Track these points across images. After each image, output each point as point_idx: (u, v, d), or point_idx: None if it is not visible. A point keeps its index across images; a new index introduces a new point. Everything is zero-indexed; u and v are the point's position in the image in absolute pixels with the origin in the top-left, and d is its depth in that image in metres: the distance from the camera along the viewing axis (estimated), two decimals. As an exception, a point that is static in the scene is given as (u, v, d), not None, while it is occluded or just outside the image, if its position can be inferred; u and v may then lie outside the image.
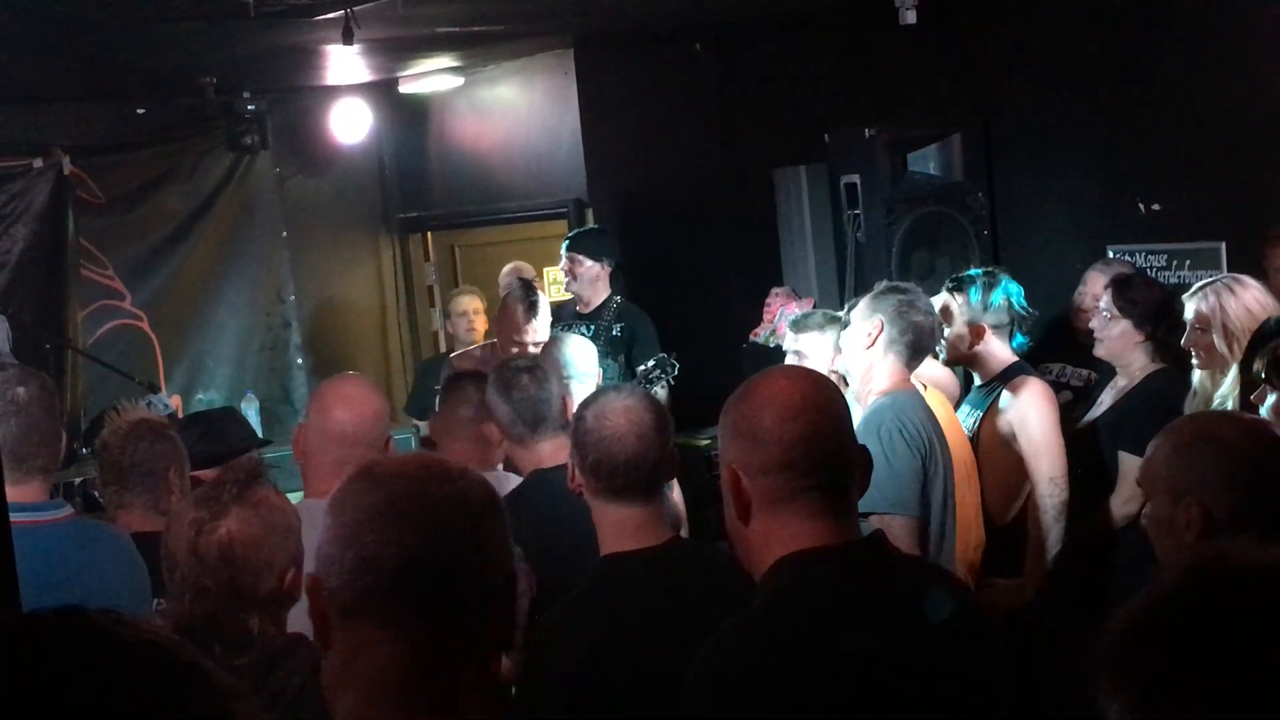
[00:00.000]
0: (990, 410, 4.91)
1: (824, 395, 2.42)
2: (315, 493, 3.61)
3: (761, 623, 2.30)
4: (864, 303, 4.53)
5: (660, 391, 5.97)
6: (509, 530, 1.83)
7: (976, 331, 4.94)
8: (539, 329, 6.02)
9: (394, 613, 1.74)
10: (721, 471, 2.38)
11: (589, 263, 6.84)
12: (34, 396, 3.62)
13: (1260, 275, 5.03)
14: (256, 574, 2.76)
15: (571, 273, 6.88)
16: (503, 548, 1.81)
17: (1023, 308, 5.03)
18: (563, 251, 6.96)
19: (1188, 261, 6.06)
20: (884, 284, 4.72)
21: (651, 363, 6.08)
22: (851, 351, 4.47)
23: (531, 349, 5.97)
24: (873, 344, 4.41)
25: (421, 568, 1.74)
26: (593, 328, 6.69)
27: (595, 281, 6.86)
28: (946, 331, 4.99)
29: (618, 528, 3.03)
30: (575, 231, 7.11)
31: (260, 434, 5.65)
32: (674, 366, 6.03)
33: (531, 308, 6.01)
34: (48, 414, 3.67)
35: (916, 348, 4.44)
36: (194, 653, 1.20)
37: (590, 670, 2.84)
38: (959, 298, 4.97)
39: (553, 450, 4.10)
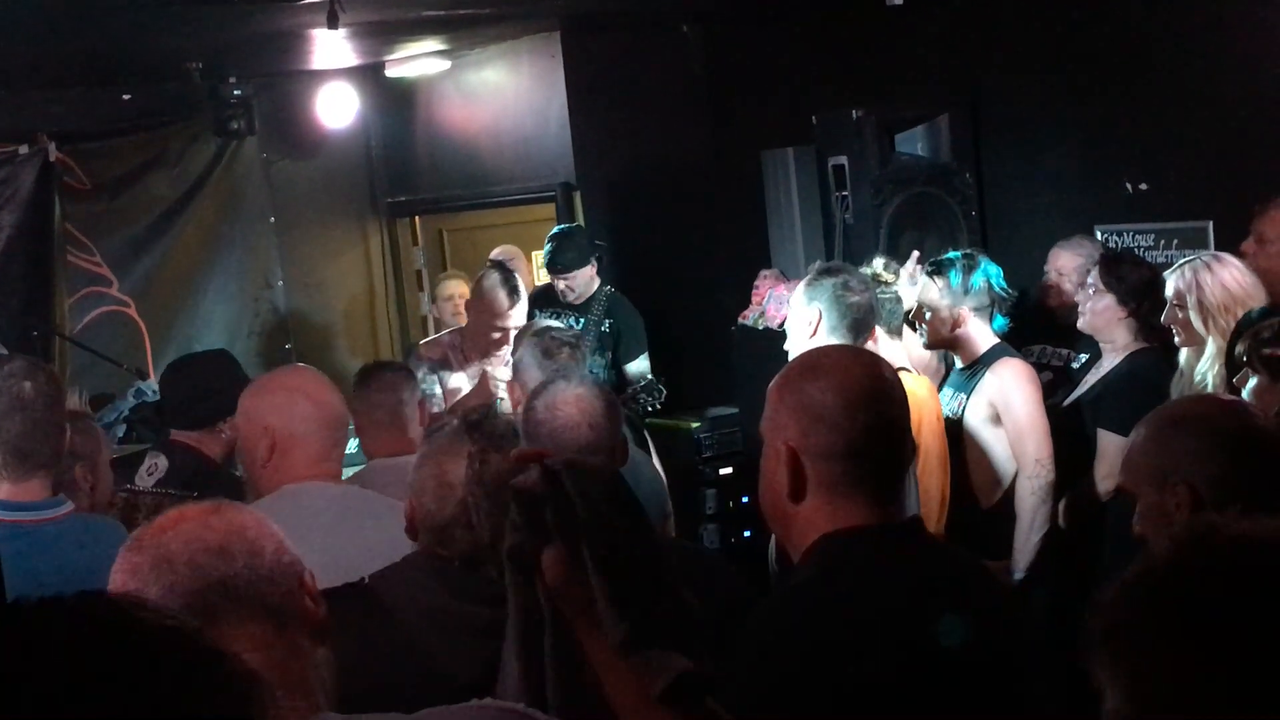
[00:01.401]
0: (974, 393, 4.91)
1: (891, 383, 2.41)
2: (317, 474, 3.57)
3: (808, 597, 2.30)
4: (800, 291, 4.56)
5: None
6: (277, 536, 1.97)
7: (958, 315, 4.95)
8: (520, 314, 6.04)
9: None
10: (772, 445, 2.35)
11: (581, 271, 6.83)
12: (40, 391, 3.59)
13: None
14: None
15: (570, 288, 6.85)
16: (276, 559, 1.94)
17: (1002, 289, 5.04)
18: (553, 273, 6.87)
19: (1175, 241, 6.06)
20: (816, 267, 4.74)
21: (641, 385, 6.13)
22: (796, 342, 4.48)
23: (513, 333, 5.97)
24: (815, 333, 4.45)
25: (208, 606, 1.84)
26: (582, 321, 6.68)
27: (590, 279, 6.87)
28: (927, 315, 5.00)
29: None
30: (555, 248, 6.90)
31: None
32: (660, 392, 6.08)
33: (514, 292, 6.02)
34: (53, 409, 3.64)
35: (858, 328, 4.48)
36: (214, 639, 1.24)
37: None
38: (939, 281, 4.97)
39: None
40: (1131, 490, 2.82)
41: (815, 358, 2.45)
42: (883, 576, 2.30)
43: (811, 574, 2.32)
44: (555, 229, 7.20)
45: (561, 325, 5.78)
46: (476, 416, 2.88)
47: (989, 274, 5.00)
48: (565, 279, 6.82)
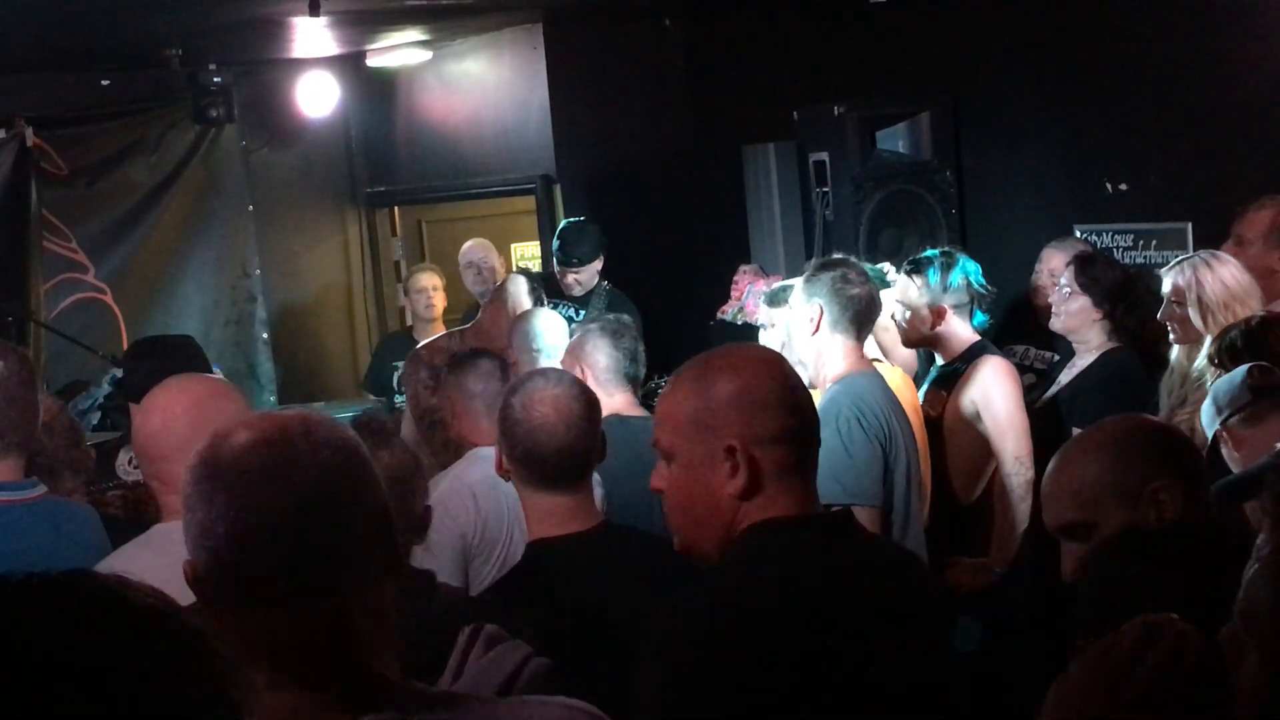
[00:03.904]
0: (954, 390, 4.91)
1: (795, 370, 2.48)
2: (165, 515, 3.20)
3: (728, 581, 2.29)
4: (799, 287, 4.43)
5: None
6: (371, 466, 1.81)
7: (938, 313, 4.93)
8: None
9: (281, 588, 1.73)
10: (702, 451, 2.29)
11: (593, 264, 6.81)
12: (12, 371, 3.55)
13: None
14: (410, 501, 2.89)
15: (578, 281, 6.83)
16: (368, 489, 1.80)
17: (981, 285, 5.02)
18: (567, 267, 6.84)
19: (1154, 242, 6.08)
20: (814, 263, 4.65)
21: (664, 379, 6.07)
22: (798, 340, 4.38)
23: None
24: (817, 329, 4.32)
25: (291, 541, 1.72)
26: (583, 314, 6.67)
27: (595, 273, 6.86)
28: (907, 314, 4.98)
29: (546, 515, 3.00)
30: (570, 242, 6.88)
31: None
32: None
33: (540, 302, 5.98)
34: (26, 389, 3.60)
35: (861, 320, 4.36)
36: (196, 619, 1.24)
37: None
38: (918, 280, 4.95)
39: (626, 401, 4.59)
40: (1087, 521, 2.61)
41: (716, 356, 2.40)
42: (804, 567, 2.30)
43: (733, 560, 2.30)
44: (567, 221, 7.19)
45: (549, 310, 5.77)
46: (365, 417, 2.84)
47: (967, 271, 4.99)
48: (576, 273, 6.80)
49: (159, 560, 2.88)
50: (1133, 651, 1.66)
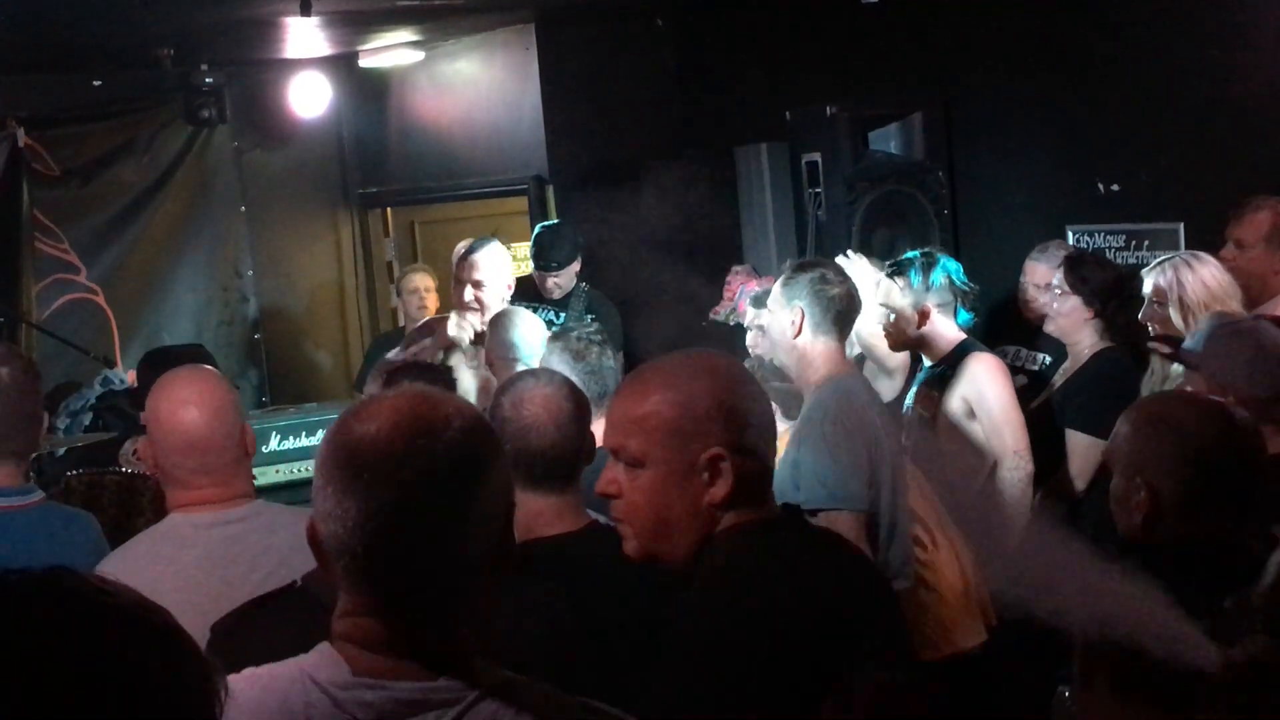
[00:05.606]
0: (945, 390, 4.89)
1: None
2: (177, 506, 3.16)
3: (741, 580, 2.27)
4: (777, 291, 4.32)
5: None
6: (498, 482, 1.79)
7: (922, 313, 4.90)
8: (507, 281, 6.02)
9: (391, 584, 1.73)
10: (689, 457, 2.29)
11: (571, 267, 6.80)
12: (15, 378, 3.54)
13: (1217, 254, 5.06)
14: None
15: (558, 284, 6.82)
16: (493, 487, 1.77)
17: (964, 283, 4.99)
18: (545, 270, 6.84)
19: (1146, 242, 6.09)
20: (789, 264, 4.53)
21: None
22: (780, 345, 4.30)
23: (491, 308, 5.92)
24: (799, 332, 4.21)
25: (381, 542, 1.70)
26: (563, 316, 6.65)
27: (574, 275, 6.85)
28: (891, 318, 4.95)
29: (535, 516, 2.99)
30: (547, 245, 6.83)
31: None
32: None
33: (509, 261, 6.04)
34: (27, 396, 3.59)
35: (843, 321, 4.26)
36: (175, 620, 1.27)
37: (503, 656, 2.81)
38: (900, 282, 4.91)
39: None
40: (1110, 468, 2.86)
41: (684, 363, 2.38)
42: (794, 563, 2.33)
43: (736, 562, 2.29)
44: (542, 225, 7.14)
45: (529, 313, 5.73)
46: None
47: (948, 269, 4.95)
48: (555, 276, 6.78)
49: (184, 553, 2.95)
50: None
